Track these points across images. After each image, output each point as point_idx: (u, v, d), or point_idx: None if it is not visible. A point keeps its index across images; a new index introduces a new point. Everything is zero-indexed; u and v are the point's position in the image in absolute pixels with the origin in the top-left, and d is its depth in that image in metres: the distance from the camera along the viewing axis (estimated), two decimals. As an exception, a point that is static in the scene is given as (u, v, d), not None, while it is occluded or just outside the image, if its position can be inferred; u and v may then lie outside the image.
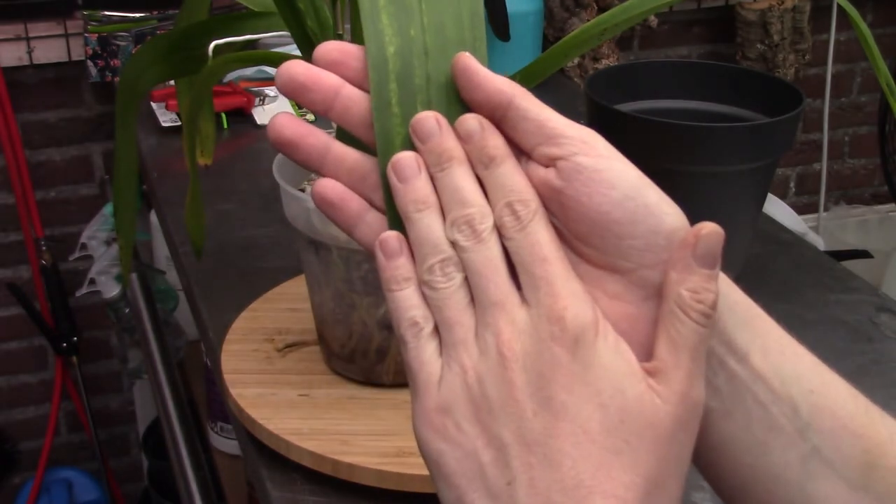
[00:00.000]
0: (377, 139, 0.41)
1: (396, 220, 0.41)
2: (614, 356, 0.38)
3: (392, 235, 0.41)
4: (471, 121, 0.40)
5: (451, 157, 0.40)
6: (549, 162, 0.40)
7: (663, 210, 0.39)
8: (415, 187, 0.40)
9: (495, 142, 0.40)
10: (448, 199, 0.40)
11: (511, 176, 0.40)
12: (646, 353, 0.39)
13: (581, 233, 0.39)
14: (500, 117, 0.40)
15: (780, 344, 0.41)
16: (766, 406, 0.40)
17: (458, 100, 0.41)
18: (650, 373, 0.38)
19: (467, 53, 0.41)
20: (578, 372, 0.37)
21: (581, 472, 0.37)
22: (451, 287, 0.39)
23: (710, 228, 0.39)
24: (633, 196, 0.39)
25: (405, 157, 0.41)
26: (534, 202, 0.39)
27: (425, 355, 0.39)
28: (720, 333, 0.40)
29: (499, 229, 0.40)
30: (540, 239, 0.39)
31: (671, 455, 0.38)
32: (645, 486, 0.37)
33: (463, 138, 0.41)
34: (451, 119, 0.41)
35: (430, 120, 0.41)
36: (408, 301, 0.40)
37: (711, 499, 0.43)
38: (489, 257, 0.39)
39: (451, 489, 0.39)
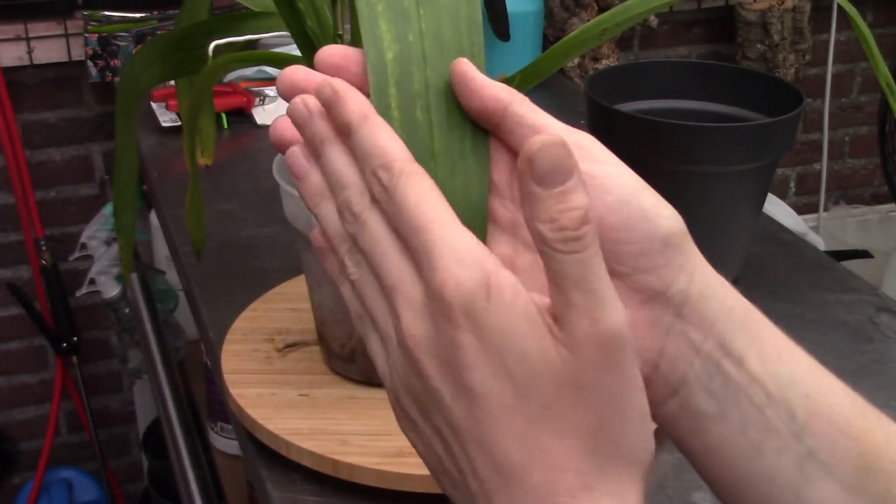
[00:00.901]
0: None
1: None
2: (511, 314, 0.34)
3: (315, 234, 0.40)
4: (324, 88, 0.38)
5: (322, 140, 0.38)
6: None
7: (659, 214, 0.39)
8: (309, 182, 0.39)
9: (351, 105, 0.37)
10: (330, 185, 0.39)
11: (370, 139, 0.37)
12: (651, 359, 0.39)
13: None
14: (496, 123, 0.40)
15: (777, 348, 0.41)
16: (761, 409, 0.40)
17: (457, 105, 0.40)
18: (554, 317, 0.35)
19: (465, 60, 0.40)
20: (476, 345, 0.34)
21: (509, 450, 0.35)
22: (361, 276, 0.38)
23: (541, 142, 0.33)
24: (628, 200, 0.38)
25: (293, 154, 0.40)
26: (398, 162, 0.36)
27: (372, 347, 0.39)
28: (717, 337, 0.40)
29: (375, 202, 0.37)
30: (408, 205, 0.36)
31: (602, 401, 0.35)
32: (583, 445, 0.35)
33: (327, 109, 0.38)
34: (453, 125, 0.39)
35: (298, 105, 0.39)
36: (346, 294, 0.40)
37: (712, 499, 0.43)
38: (374, 238, 0.37)
39: (433, 476, 0.39)
